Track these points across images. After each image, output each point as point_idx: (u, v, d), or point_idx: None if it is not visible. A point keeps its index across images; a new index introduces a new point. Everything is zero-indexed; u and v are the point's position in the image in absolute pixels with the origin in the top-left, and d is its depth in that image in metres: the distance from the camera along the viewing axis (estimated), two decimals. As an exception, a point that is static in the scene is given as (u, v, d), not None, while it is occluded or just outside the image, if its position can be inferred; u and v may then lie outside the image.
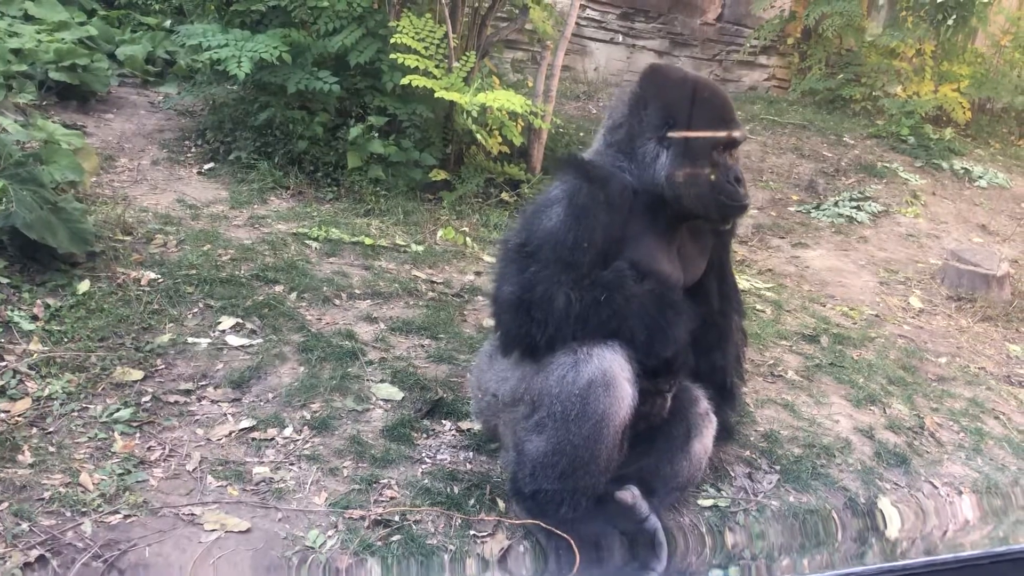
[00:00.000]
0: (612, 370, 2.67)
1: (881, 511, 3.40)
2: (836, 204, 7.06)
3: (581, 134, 7.32)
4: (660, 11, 10.65)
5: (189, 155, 5.68)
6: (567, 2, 7.32)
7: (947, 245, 6.54)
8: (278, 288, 4.10)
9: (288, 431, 3.16)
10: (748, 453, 3.45)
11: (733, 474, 3.38)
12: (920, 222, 7.00)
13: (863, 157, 8.05)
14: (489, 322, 3.24)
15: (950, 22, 8.91)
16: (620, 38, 10.60)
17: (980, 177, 8.05)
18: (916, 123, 8.78)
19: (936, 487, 3.58)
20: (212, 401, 3.30)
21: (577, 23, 8.42)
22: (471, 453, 3.18)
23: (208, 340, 3.61)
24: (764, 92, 10.52)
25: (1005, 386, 4.65)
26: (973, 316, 5.46)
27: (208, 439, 3.08)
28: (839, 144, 8.36)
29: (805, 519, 3.27)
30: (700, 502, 3.22)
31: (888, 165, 7.90)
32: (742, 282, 5.51)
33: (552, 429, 2.70)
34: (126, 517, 2.63)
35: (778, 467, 3.46)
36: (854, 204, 7.04)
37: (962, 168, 8.17)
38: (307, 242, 4.67)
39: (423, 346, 3.84)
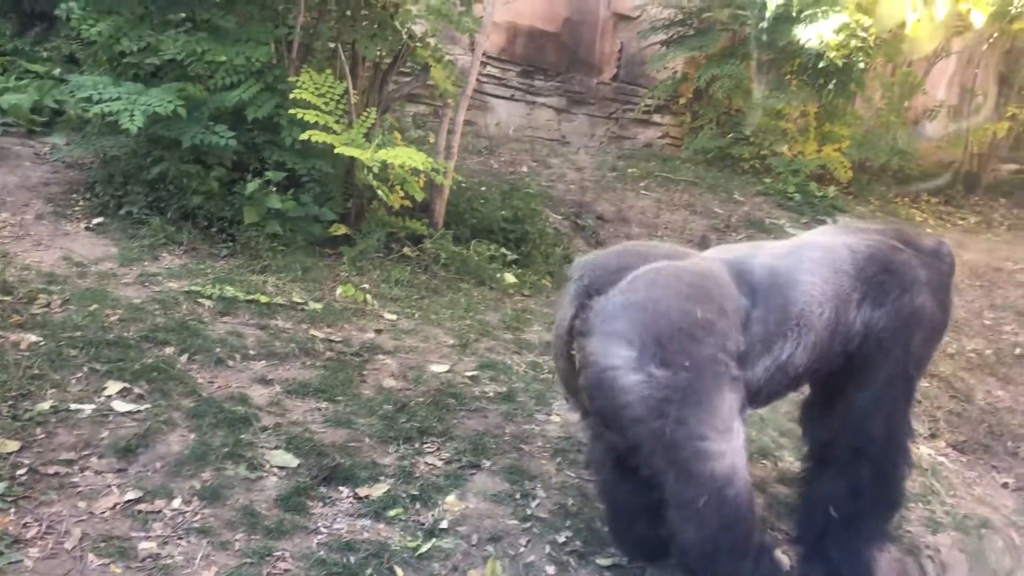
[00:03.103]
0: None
1: (774, 563, 3.48)
2: (728, 259, 7.30)
3: (483, 188, 7.40)
4: (559, 70, 10.93)
5: (77, 209, 5.47)
6: (468, 60, 7.44)
7: (832, 299, 6.81)
8: (168, 350, 3.97)
9: (177, 502, 3.05)
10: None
11: (631, 532, 3.40)
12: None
13: (752, 213, 8.37)
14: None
15: (831, 86, 9.42)
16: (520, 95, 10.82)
17: (861, 233, 8.47)
18: (802, 181, 9.22)
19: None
20: (96, 472, 3.15)
21: (478, 80, 8.55)
22: (368, 521, 3.12)
23: (92, 406, 3.46)
24: (658, 149, 10.87)
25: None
26: (857, 368, 5.69)
27: (91, 513, 2.94)
28: (730, 201, 8.68)
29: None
30: (599, 561, 3.24)
31: (776, 221, 8.25)
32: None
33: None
34: (-3, 603, 2.48)
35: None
36: (745, 259, 7.29)
37: (844, 224, 8.60)
38: (200, 300, 4.55)
39: (320, 409, 3.77)
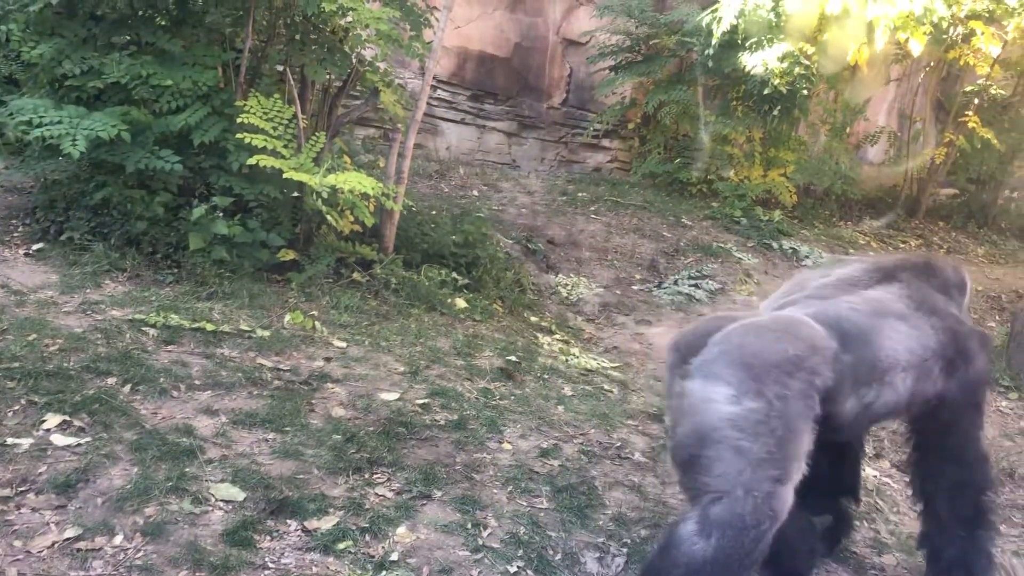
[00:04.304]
0: None
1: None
2: (676, 283, 7.39)
3: (433, 212, 7.39)
4: (509, 94, 11.01)
5: (16, 235, 5.34)
6: (418, 83, 7.45)
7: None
8: (111, 381, 3.88)
9: (118, 539, 2.96)
10: (601, 540, 3.48)
11: (583, 560, 3.40)
12: (755, 300, 7.41)
13: (700, 238, 8.49)
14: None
15: (775, 112, 9.61)
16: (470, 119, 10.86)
17: (807, 256, 8.64)
18: (748, 205, 9.39)
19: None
20: (33, 509, 3.05)
21: (428, 103, 8.57)
22: (317, 555, 3.07)
23: (30, 440, 3.36)
24: (607, 174, 10.98)
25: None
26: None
27: (27, 552, 2.84)
28: (678, 225, 8.79)
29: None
30: (550, 592, 3.22)
31: (723, 245, 8.36)
32: (590, 362, 5.65)
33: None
34: (-75, 650, 2.38)
35: (626, 549, 3.51)
36: (692, 283, 7.40)
37: (790, 248, 8.75)
38: (144, 329, 4.46)
39: (267, 440, 3.70)
